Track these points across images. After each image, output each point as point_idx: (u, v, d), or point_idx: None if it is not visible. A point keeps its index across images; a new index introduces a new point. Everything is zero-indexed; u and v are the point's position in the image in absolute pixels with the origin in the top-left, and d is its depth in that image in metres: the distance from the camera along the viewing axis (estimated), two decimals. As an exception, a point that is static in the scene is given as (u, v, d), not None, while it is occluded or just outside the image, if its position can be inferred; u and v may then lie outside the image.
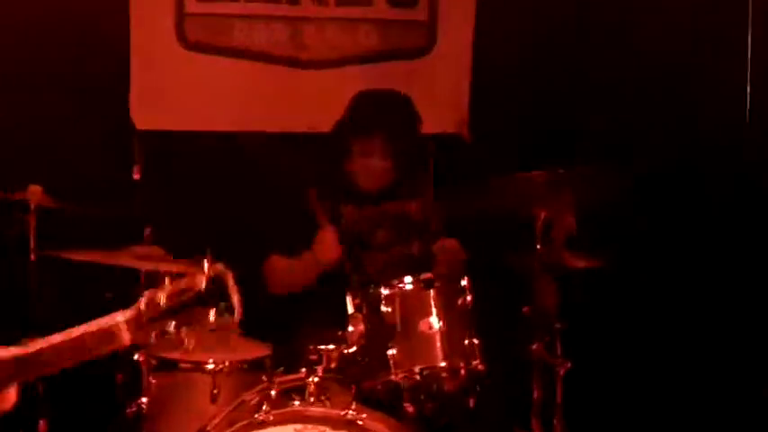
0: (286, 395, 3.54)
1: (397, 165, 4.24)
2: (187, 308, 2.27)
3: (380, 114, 4.25)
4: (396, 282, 3.65)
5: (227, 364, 3.81)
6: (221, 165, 4.77)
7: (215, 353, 3.85)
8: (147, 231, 4.15)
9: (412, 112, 4.28)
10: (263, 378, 3.69)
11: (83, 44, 4.42)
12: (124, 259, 3.89)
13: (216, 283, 2.26)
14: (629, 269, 4.11)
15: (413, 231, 4.32)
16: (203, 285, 2.25)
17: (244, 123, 4.88)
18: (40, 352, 2.28)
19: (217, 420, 3.57)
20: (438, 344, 3.60)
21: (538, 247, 3.76)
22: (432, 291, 3.65)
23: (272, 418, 3.44)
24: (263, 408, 3.48)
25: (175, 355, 3.80)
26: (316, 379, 3.52)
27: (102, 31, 4.54)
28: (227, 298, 2.27)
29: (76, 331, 2.28)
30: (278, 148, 4.75)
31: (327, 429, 3.39)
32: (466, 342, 3.61)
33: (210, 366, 3.80)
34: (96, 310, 3.30)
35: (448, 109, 4.96)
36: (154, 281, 2.31)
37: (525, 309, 3.82)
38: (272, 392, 3.54)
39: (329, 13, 4.94)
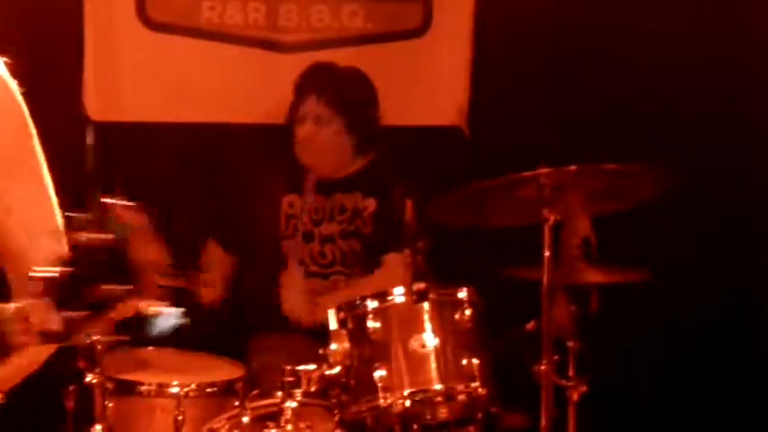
0: (260, 422, 3.55)
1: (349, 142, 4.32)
2: None
3: (321, 76, 4.40)
4: (385, 293, 3.62)
5: (193, 387, 3.82)
6: (187, 159, 4.72)
7: (180, 374, 3.84)
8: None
9: (365, 83, 4.42)
10: (235, 403, 3.68)
11: (30, 24, 4.38)
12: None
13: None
14: (656, 283, 4.06)
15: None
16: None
17: (214, 114, 4.89)
18: None
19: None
20: (432, 364, 3.55)
21: (546, 255, 3.71)
22: (426, 303, 3.61)
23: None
24: (240, 434, 3.49)
25: (135, 377, 3.80)
26: (294, 404, 3.50)
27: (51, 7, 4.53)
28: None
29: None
30: (252, 141, 4.74)
31: (309, 458, 3.40)
32: (464, 362, 3.56)
33: (175, 390, 3.80)
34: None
35: (445, 99, 4.96)
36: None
37: (530, 325, 3.75)
38: (245, 419, 3.55)
39: (310, -9, 4.88)
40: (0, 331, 1.99)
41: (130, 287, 1.92)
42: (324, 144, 4.32)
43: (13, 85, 2.37)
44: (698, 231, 4.75)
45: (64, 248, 2.27)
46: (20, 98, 2.39)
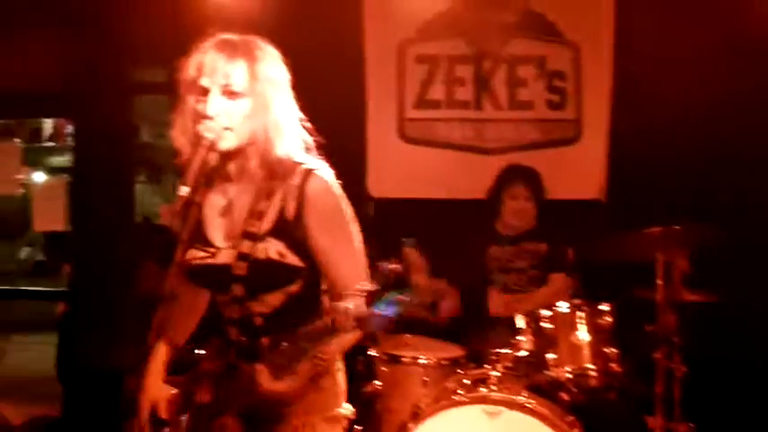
0: (475, 384, 3.53)
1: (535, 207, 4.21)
2: None
3: (519, 170, 4.30)
4: (554, 305, 3.59)
5: (434, 360, 3.81)
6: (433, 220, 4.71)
7: (426, 351, 3.85)
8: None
9: (539, 175, 4.29)
10: (459, 371, 3.67)
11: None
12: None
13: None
14: (735, 303, 3.87)
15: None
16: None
17: (444, 192, 4.85)
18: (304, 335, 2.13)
19: (426, 400, 3.58)
20: (585, 351, 3.53)
21: (659, 282, 3.61)
22: (580, 312, 3.58)
23: (465, 399, 3.45)
24: (459, 392, 3.48)
25: (399, 352, 3.80)
26: (497, 373, 3.49)
27: (343, 132, 4.59)
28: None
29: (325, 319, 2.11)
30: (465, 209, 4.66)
31: (505, 410, 3.36)
32: (607, 350, 3.52)
33: (423, 361, 3.80)
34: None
35: (590, 181, 4.80)
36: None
37: (649, 327, 3.65)
38: (466, 381, 3.55)
39: (503, 115, 4.88)
40: (337, 319, 2.04)
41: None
42: (527, 212, 4.25)
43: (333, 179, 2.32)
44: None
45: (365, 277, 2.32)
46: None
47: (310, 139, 2.33)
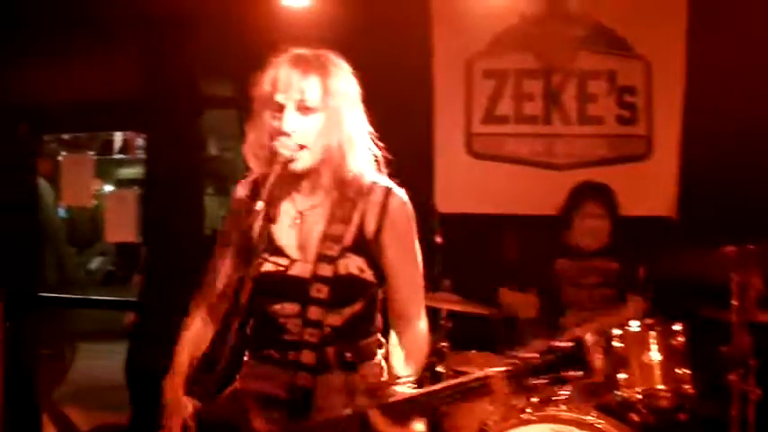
0: (544, 402, 3.50)
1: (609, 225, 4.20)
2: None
3: (593, 187, 4.29)
4: (625, 324, 3.55)
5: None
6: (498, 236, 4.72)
7: (491, 367, 3.82)
8: (447, 283, 4.14)
9: (612, 192, 4.29)
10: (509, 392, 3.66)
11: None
12: (430, 301, 3.92)
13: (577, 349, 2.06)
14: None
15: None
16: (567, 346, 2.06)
17: (512, 208, 4.85)
18: (440, 393, 2.15)
19: (494, 418, 3.59)
20: (657, 371, 3.47)
21: (734, 302, 3.56)
22: (652, 332, 3.53)
23: (534, 418, 3.45)
24: (527, 411, 3.48)
25: (466, 369, 3.76)
26: (566, 393, 3.46)
27: (410, 147, 4.61)
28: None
29: (466, 379, 2.13)
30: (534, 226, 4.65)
31: (574, 429, 3.36)
32: (679, 371, 3.47)
33: (491, 379, 3.78)
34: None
35: (661, 198, 4.75)
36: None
37: (723, 348, 3.60)
38: (534, 400, 3.51)
39: (573, 130, 4.87)
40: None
41: None
42: (601, 230, 4.24)
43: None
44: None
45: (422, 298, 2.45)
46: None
47: (380, 154, 2.37)
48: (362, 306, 2.35)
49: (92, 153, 6.18)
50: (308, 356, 2.30)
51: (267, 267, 2.31)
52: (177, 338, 2.42)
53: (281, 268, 2.32)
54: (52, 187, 5.80)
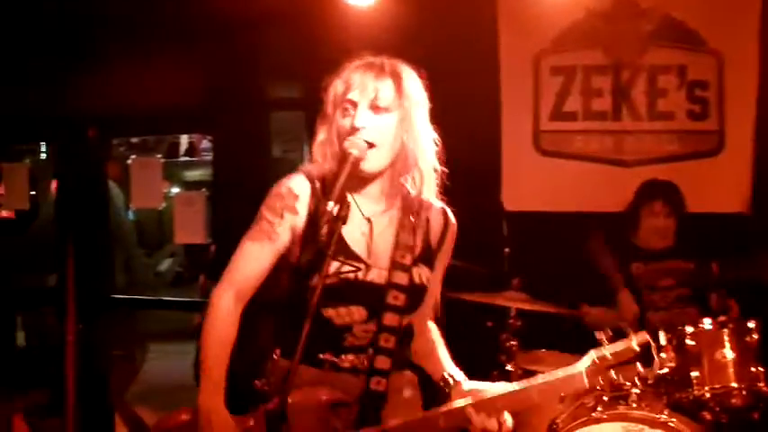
0: (614, 401, 3.52)
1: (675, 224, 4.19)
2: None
3: (659, 185, 4.30)
4: (699, 323, 3.56)
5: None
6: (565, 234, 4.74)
7: (552, 367, 3.83)
8: (516, 281, 4.18)
9: (680, 191, 4.29)
10: (597, 387, 3.66)
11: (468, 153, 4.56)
12: (500, 300, 3.99)
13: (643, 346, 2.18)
14: None
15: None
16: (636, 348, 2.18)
17: (581, 205, 4.84)
18: (533, 389, 2.24)
19: (563, 416, 3.61)
20: (730, 369, 3.47)
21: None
22: (725, 330, 3.53)
23: (604, 416, 3.47)
24: (598, 409, 3.49)
25: (534, 367, 3.83)
26: (637, 390, 3.47)
27: (478, 145, 4.64)
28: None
29: (553, 376, 2.23)
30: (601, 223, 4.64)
31: (646, 428, 3.36)
32: (753, 369, 3.46)
33: (560, 377, 3.80)
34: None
35: (733, 194, 4.73)
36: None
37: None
38: (605, 398, 3.53)
39: (643, 126, 4.86)
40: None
41: None
42: (667, 229, 4.25)
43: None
44: None
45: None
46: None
47: (439, 170, 2.43)
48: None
49: (159, 156, 6.31)
50: (383, 362, 2.38)
51: (341, 270, 2.31)
52: (205, 335, 2.37)
53: (354, 273, 2.34)
54: (122, 190, 5.97)
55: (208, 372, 2.34)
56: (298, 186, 2.39)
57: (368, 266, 2.36)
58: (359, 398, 2.35)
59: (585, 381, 2.18)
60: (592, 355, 2.17)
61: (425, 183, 2.39)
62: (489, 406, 2.24)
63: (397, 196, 2.40)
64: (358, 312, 2.35)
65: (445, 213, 2.49)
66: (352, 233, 2.36)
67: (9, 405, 5.28)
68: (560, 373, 2.21)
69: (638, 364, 2.19)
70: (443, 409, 2.31)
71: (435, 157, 2.40)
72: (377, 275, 2.36)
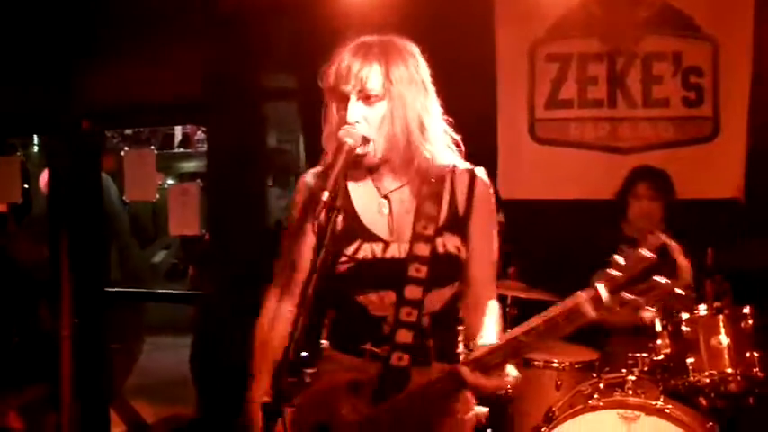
0: (610, 388, 3.58)
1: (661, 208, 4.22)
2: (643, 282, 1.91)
3: (645, 170, 4.34)
4: (694, 309, 3.61)
5: (567, 363, 3.88)
6: (562, 222, 4.78)
7: (559, 355, 3.91)
8: (512, 270, 4.23)
9: (669, 177, 4.32)
10: (593, 375, 3.73)
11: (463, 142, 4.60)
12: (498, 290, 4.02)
13: (662, 254, 1.90)
14: None
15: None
16: (648, 255, 1.92)
17: (577, 193, 4.91)
18: (526, 333, 2.08)
19: (560, 404, 3.66)
20: (726, 355, 3.53)
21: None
22: (720, 316, 3.59)
23: (600, 404, 3.50)
24: (594, 396, 3.53)
25: (532, 355, 3.87)
26: (633, 377, 3.54)
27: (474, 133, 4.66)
28: (673, 266, 1.88)
29: (551, 312, 2.06)
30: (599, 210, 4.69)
31: (643, 415, 3.39)
32: (748, 355, 3.52)
33: (556, 365, 3.87)
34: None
35: (727, 180, 4.76)
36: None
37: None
38: (601, 385, 3.59)
39: (638, 113, 4.90)
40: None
41: None
42: (652, 213, 4.28)
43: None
44: None
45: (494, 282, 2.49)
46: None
47: (457, 137, 2.42)
48: (457, 288, 2.38)
49: (153, 147, 6.32)
50: (404, 335, 2.30)
51: (363, 254, 2.32)
52: (254, 338, 2.45)
53: (376, 254, 2.32)
54: (115, 182, 6.00)
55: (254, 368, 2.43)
56: (309, 181, 2.45)
57: (387, 244, 2.34)
58: (378, 376, 2.30)
59: (590, 309, 1.99)
60: (599, 278, 1.99)
61: (436, 148, 2.35)
62: (483, 363, 2.13)
63: (411, 167, 2.36)
64: (388, 297, 2.32)
65: (472, 174, 2.42)
66: (371, 214, 2.37)
67: (4, 401, 5.32)
68: (559, 306, 2.05)
69: (656, 277, 1.89)
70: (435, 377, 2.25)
71: (442, 119, 2.39)
72: (397, 251, 2.33)
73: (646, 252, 1.93)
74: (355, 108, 2.30)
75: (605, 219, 4.44)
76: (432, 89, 2.39)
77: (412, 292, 2.31)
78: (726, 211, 4.67)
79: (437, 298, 2.35)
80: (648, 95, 4.87)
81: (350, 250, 2.32)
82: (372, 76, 2.28)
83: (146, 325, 6.36)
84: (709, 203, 4.66)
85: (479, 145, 4.63)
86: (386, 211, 2.39)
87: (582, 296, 2.01)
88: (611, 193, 4.48)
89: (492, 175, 4.58)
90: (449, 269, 2.36)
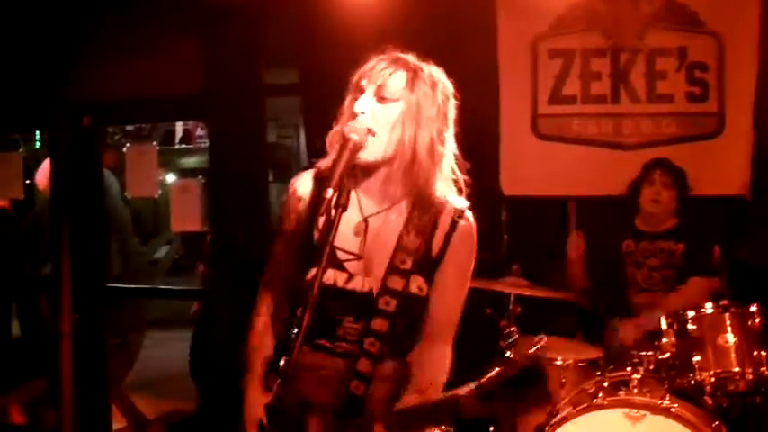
0: (615, 386, 3.53)
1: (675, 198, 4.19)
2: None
3: (660, 160, 4.31)
4: (699, 306, 3.55)
5: (571, 361, 3.82)
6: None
7: (562, 352, 3.86)
8: (515, 267, 4.18)
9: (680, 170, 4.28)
10: (598, 373, 3.68)
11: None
12: (499, 287, 3.97)
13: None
14: None
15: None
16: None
17: (578, 190, 4.85)
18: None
19: (564, 402, 3.61)
20: (732, 354, 3.48)
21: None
22: (727, 314, 3.54)
23: (605, 402, 3.46)
24: (599, 395, 3.49)
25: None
26: (638, 376, 3.48)
27: (476, 130, 4.63)
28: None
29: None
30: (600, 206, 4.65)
31: (648, 414, 3.35)
32: (755, 353, 3.46)
33: (560, 362, 3.81)
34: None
35: (733, 176, 4.68)
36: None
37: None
38: (605, 384, 3.54)
39: (642, 109, 4.81)
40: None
41: None
42: (665, 200, 4.23)
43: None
44: None
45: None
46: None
47: (461, 178, 2.35)
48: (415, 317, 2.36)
49: (154, 143, 6.28)
50: (365, 365, 2.30)
51: (327, 278, 2.26)
52: (246, 336, 2.45)
53: (344, 279, 2.29)
54: (117, 178, 5.95)
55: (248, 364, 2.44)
56: (302, 186, 2.40)
57: (351, 275, 2.30)
58: (338, 401, 2.31)
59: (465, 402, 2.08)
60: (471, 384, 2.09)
61: (438, 179, 2.29)
62: (399, 422, 2.18)
63: (404, 194, 2.30)
64: (348, 318, 2.32)
65: (460, 214, 2.33)
66: (345, 236, 2.27)
67: (5, 396, 5.29)
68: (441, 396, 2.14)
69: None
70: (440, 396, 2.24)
71: (454, 160, 2.33)
72: (364, 284, 2.30)
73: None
74: (366, 100, 2.26)
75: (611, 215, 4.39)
76: (452, 128, 2.34)
77: (379, 324, 2.29)
78: (731, 208, 4.60)
79: (397, 326, 2.32)
80: (652, 91, 4.79)
81: (310, 275, 2.21)
82: (395, 77, 2.25)
83: (147, 320, 6.35)
84: (715, 200, 4.59)
85: (482, 141, 4.63)
86: (360, 235, 2.31)
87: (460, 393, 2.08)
88: (614, 189, 4.43)
89: (495, 171, 4.59)
90: (411, 310, 2.31)
